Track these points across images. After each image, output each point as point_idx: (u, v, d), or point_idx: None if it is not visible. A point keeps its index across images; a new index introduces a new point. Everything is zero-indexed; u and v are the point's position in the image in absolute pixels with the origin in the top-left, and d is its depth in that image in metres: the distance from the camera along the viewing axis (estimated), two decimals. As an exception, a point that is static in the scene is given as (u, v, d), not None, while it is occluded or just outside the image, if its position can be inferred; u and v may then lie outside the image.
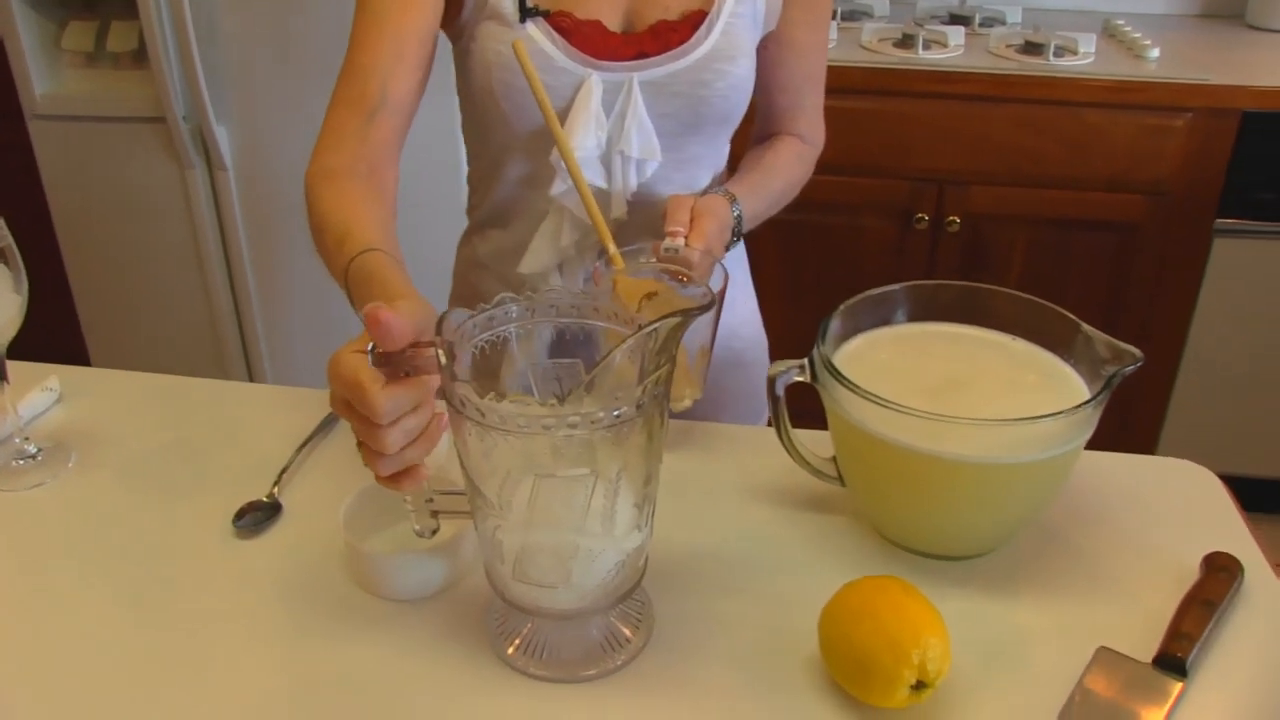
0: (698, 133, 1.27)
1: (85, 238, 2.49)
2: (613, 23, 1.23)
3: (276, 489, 1.09)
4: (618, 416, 0.76)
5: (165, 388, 1.30)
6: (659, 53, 1.22)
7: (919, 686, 0.81)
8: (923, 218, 2.50)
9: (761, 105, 1.38)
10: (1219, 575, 0.96)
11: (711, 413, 1.33)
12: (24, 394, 1.22)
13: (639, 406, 0.77)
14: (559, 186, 1.22)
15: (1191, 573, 0.98)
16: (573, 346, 0.88)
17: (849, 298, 1.06)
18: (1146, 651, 0.90)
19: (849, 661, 0.84)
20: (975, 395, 1.00)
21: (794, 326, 2.64)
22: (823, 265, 2.59)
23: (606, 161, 1.24)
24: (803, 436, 1.07)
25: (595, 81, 1.20)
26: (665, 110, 1.23)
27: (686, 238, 1.13)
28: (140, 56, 2.30)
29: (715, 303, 0.81)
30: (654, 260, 1.12)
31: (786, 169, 1.36)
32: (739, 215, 1.24)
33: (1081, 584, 0.98)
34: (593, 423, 0.76)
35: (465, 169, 1.37)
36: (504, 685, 0.88)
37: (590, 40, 1.21)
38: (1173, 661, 0.88)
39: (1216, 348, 2.56)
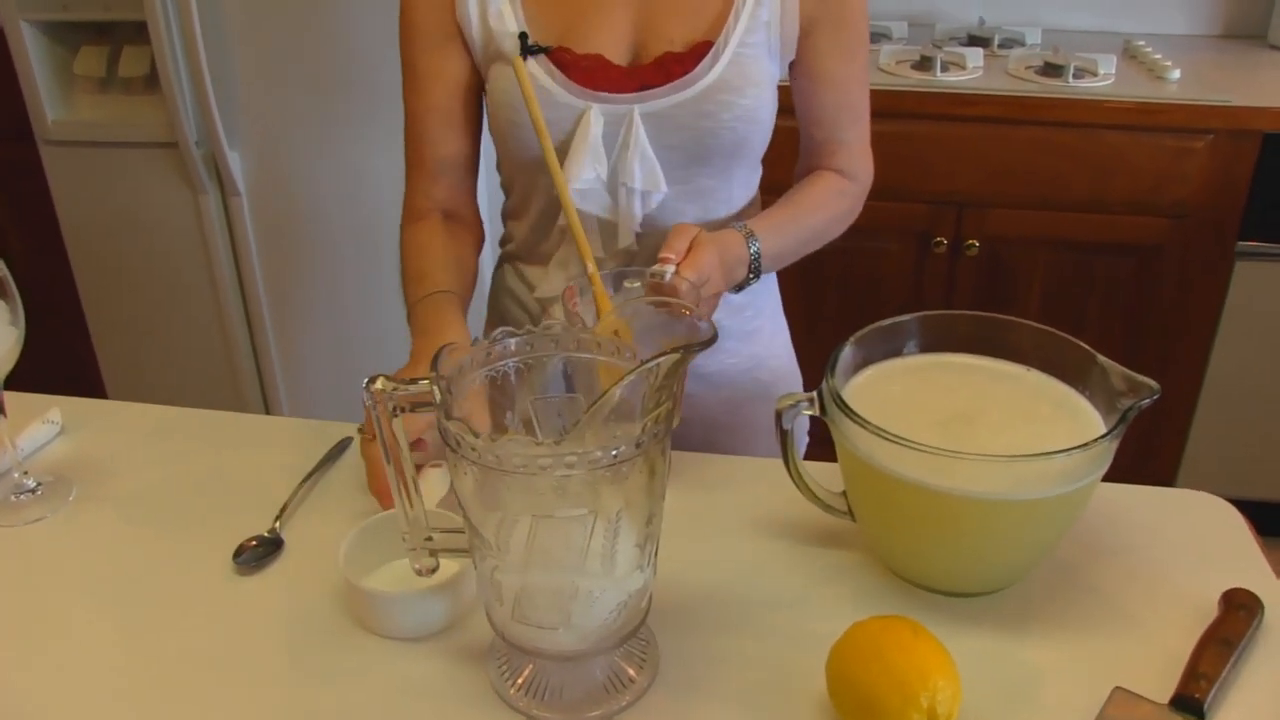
0: (706, 165, 1.25)
1: (99, 264, 2.50)
2: (617, 56, 1.22)
3: (278, 524, 1.08)
4: (616, 456, 0.74)
5: (168, 420, 1.29)
6: (662, 84, 1.21)
7: (928, 730, 0.80)
8: (941, 241, 2.48)
9: (801, 140, 1.36)
10: (1238, 613, 0.93)
11: (743, 446, 1.32)
12: (24, 426, 1.22)
13: (638, 445, 0.76)
14: (565, 219, 1.23)
15: (1210, 610, 0.96)
16: (576, 381, 0.87)
17: (866, 322, 1.05)
18: (1163, 691, 0.87)
19: (856, 703, 0.82)
20: (987, 429, 0.98)
21: (812, 352, 2.63)
22: (840, 289, 2.57)
23: (612, 193, 1.23)
24: (813, 470, 1.05)
25: (595, 114, 1.20)
26: (670, 142, 1.22)
27: (678, 266, 1.11)
28: (152, 82, 2.30)
29: (716, 337, 0.79)
30: (639, 285, 1.11)
31: (821, 206, 1.33)
32: (756, 252, 1.21)
33: (1097, 622, 0.96)
34: (591, 462, 0.74)
35: (499, 201, 1.40)
36: (506, 727, 0.87)
37: (590, 73, 1.21)
38: (1190, 703, 0.85)
39: (1239, 369, 2.53)
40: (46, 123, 2.36)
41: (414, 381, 0.80)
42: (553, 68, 1.20)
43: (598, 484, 0.76)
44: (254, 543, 1.06)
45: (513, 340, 0.85)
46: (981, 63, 2.52)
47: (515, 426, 0.87)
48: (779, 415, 1.00)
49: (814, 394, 0.99)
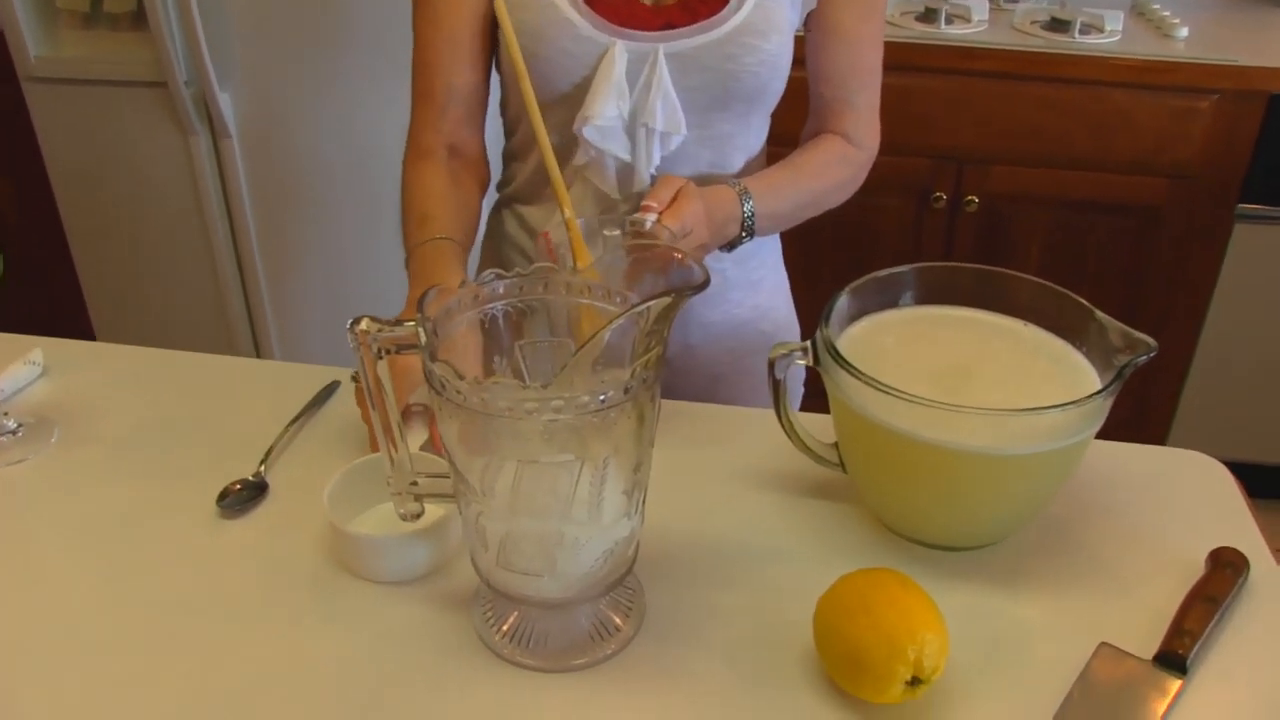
0: (726, 109, 1.24)
1: (86, 206, 2.45)
2: None
3: (263, 468, 1.07)
4: (604, 401, 0.73)
5: (153, 362, 1.28)
6: (687, 24, 1.19)
7: (914, 683, 0.79)
8: (940, 197, 2.46)
9: (810, 99, 1.34)
10: (1224, 571, 0.93)
11: (743, 398, 1.31)
12: (5, 367, 1.20)
13: (627, 391, 0.74)
14: (582, 158, 1.23)
15: (1197, 568, 0.95)
16: (563, 324, 0.86)
17: (862, 277, 1.03)
18: (1149, 647, 0.87)
19: (843, 657, 0.82)
20: (983, 383, 0.97)
21: (806, 306, 2.60)
22: (837, 243, 2.56)
23: (631, 133, 1.21)
24: (805, 421, 1.04)
25: (619, 50, 1.18)
26: (692, 84, 1.20)
27: (660, 215, 1.09)
28: (139, 18, 2.23)
29: (708, 281, 0.78)
30: (619, 234, 1.09)
31: (822, 171, 1.31)
32: (750, 212, 1.20)
33: (1085, 578, 0.96)
34: (578, 407, 0.73)
35: (501, 143, 1.37)
36: (491, 673, 0.86)
37: (616, 9, 1.19)
38: (1173, 659, 0.86)
39: (1234, 333, 2.52)
40: (29, 59, 2.29)
41: (399, 323, 0.79)
42: (579, 1, 1.18)
43: (585, 430, 0.75)
44: (238, 486, 1.05)
45: (501, 283, 0.84)
46: (987, 16, 2.49)
47: (503, 371, 0.86)
48: (771, 364, 0.99)
49: (808, 344, 0.98)
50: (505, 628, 0.89)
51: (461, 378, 0.72)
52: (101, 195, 2.42)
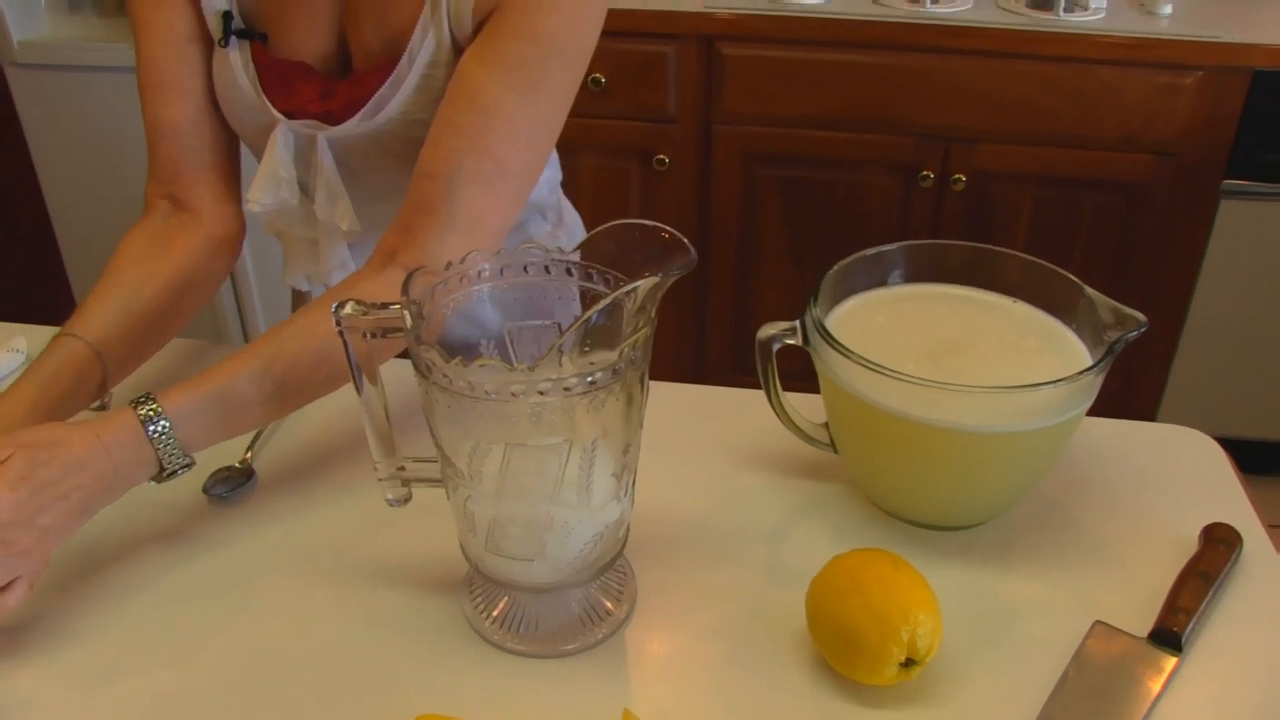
0: (396, 200, 1.04)
1: (72, 193, 2.43)
2: (319, 60, 1.09)
3: (249, 454, 1.06)
4: (592, 383, 0.72)
5: (139, 348, 1.26)
6: (345, 106, 1.08)
7: (908, 664, 0.79)
8: (928, 175, 2.46)
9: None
10: (1218, 547, 0.93)
11: None
12: (-11, 355, 1.19)
13: (615, 371, 0.74)
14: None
15: (1190, 544, 0.95)
16: (547, 307, 0.85)
17: (849, 255, 1.02)
18: (1144, 625, 0.87)
19: (836, 638, 0.82)
20: (973, 360, 0.97)
21: (792, 284, 2.59)
22: (825, 222, 2.55)
23: (307, 214, 1.14)
24: (795, 401, 1.03)
25: (281, 131, 1.09)
26: (358, 169, 1.11)
27: None
28: (123, 2, 2.23)
29: (695, 261, 0.77)
30: None
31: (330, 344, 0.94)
32: (164, 432, 0.87)
33: (1079, 556, 0.95)
34: (565, 389, 0.72)
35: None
36: (481, 659, 0.86)
37: (281, 85, 1.09)
38: (1168, 636, 0.86)
39: (1221, 309, 2.52)
40: (12, 44, 2.28)
41: (384, 306, 0.78)
42: (251, 66, 1.08)
43: (573, 411, 0.74)
44: (225, 473, 1.04)
45: (486, 266, 0.83)
46: (971, -6, 2.48)
47: (490, 354, 0.85)
48: (762, 344, 0.98)
49: (796, 323, 0.97)
50: (495, 613, 0.88)
51: (447, 360, 0.72)
52: (87, 181, 2.40)
